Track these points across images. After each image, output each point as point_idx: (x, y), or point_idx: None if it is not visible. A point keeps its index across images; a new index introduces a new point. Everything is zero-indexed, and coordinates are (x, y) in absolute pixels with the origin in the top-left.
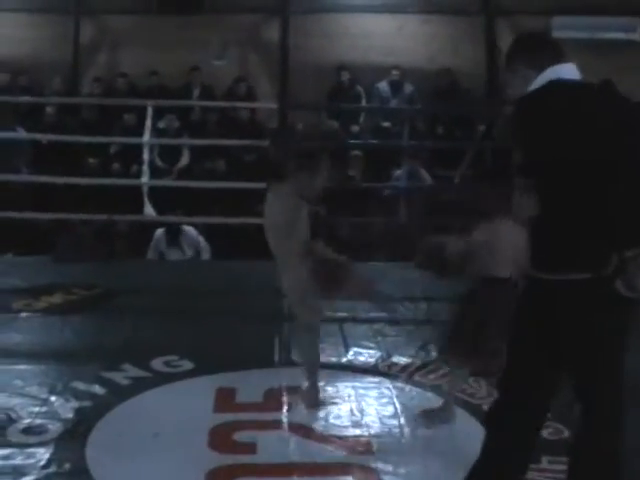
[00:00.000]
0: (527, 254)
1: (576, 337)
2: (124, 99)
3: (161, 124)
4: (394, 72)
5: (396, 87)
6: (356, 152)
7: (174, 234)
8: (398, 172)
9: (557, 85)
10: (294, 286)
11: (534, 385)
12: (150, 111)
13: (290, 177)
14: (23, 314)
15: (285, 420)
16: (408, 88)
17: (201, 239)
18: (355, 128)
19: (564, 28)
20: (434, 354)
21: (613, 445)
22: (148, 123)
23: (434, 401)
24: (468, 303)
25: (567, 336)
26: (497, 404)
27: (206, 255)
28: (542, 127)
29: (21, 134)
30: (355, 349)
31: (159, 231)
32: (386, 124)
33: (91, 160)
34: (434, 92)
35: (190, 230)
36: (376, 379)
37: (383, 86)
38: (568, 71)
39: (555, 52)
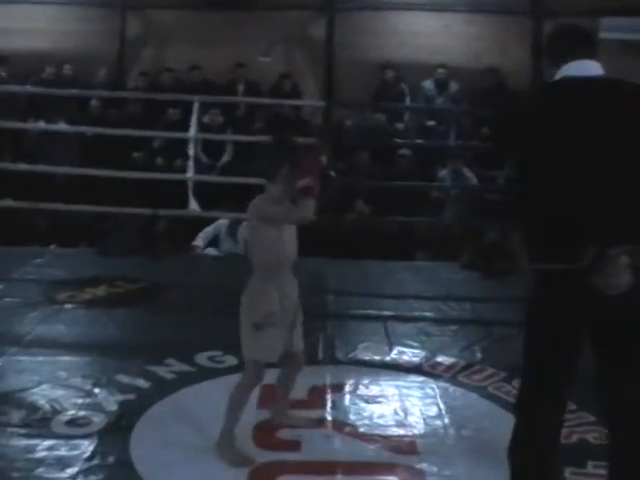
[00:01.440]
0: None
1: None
2: (170, 94)
3: (205, 119)
4: (440, 70)
5: (442, 86)
6: (404, 151)
7: (236, 225)
8: (443, 172)
9: (559, 83)
10: (246, 305)
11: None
12: (196, 106)
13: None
14: (67, 306)
15: (329, 418)
16: (454, 87)
17: None
18: (400, 125)
19: (611, 29)
20: (479, 355)
21: None
22: (194, 118)
23: (477, 402)
24: None
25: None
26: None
27: None
28: (532, 124)
29: (62, 127)
30: (399, 348)
31: (222, 220)
32: (431, 123)
33: (135, 154)
34: (480, 92)
35: None
36: (420, 378)
37: (428, 84)
38: (577, 68)
39: (570, 48)
